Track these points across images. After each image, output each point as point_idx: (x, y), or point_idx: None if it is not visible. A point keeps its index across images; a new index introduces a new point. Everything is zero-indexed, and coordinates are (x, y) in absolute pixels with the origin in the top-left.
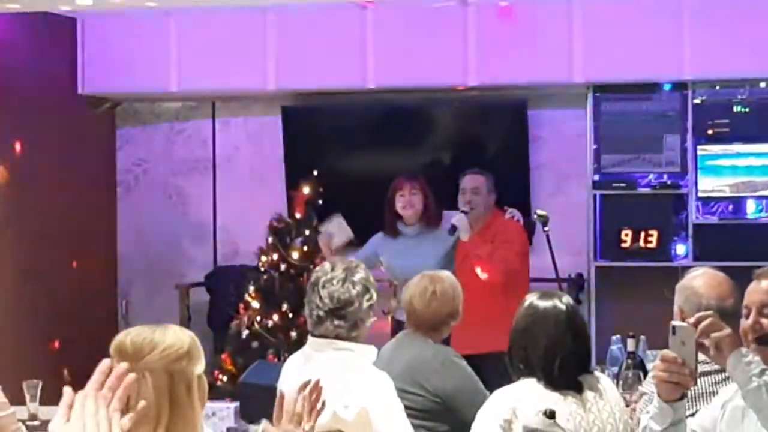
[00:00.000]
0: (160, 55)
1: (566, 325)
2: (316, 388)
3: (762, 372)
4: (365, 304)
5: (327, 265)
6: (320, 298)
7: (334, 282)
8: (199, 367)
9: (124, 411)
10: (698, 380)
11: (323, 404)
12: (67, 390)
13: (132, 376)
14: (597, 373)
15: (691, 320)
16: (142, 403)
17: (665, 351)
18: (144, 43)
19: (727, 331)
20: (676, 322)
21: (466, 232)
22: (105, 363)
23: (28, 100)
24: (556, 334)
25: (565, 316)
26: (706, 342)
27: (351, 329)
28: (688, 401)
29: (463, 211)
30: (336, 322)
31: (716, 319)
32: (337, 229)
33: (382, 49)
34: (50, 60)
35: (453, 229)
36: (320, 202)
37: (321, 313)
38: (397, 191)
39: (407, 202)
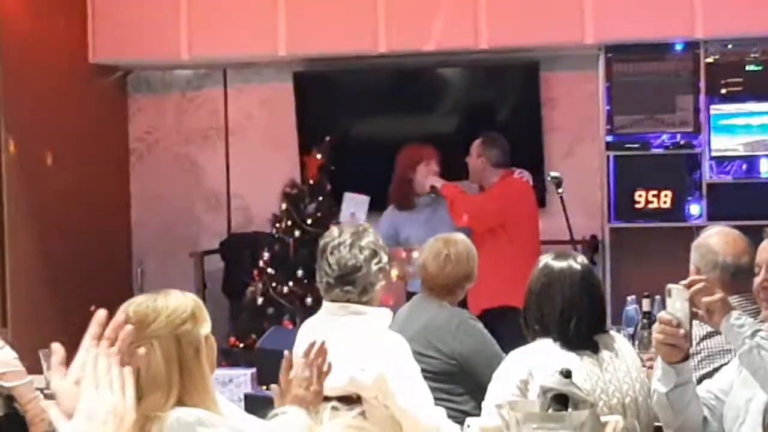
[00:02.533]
0: (171, 23)
1: (581, 285)
2: (321, 351)
3: (753, 334)
4: (374, 268)
5: (335, 230)
6: (329, 264)
7: (341, 248)
8: (205, 328)
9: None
10: (715, 338)
11: (329, 366)
12: (56, 346)
13: (130, 327)
14: (612, 332)
15: (684, 282)
16: (141, 350)
17: (662, 313)
18: (154, 10)
19: (719, 295)
20: (671, 285)
21: (438, 182)
22: (101, 314)
23: (39, 69)
24: (572, 294)
25: (580, 276)
26: (699, 307)
27: (361, 294)
28: (706, 358)
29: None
30: (345, 288)
31: (709, 283)
32: (353, 206)
33: (392, 12)
34: (61, 28)
35: (433, 188)
36: (333, 167)
37: (330, 280)
38: (421, 161)
39: (433, 171)
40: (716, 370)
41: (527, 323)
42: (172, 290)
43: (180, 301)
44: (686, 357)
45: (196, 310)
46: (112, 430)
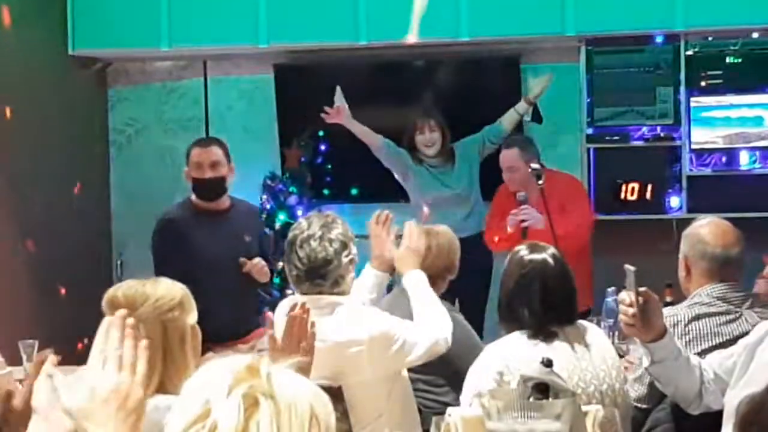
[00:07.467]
0: (151, 14)
1: (557, 278)
2: (304, 308)
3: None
4: (344, 260)
5: (303, 222)
6: (298, 258)
7: (311, 241)
8: (192, 317)
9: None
10: (703, 320)
11: (313, 325)
12: (46, 353)
13: (131, 320)
14: (584, 322)
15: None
16: (143, 342)
17: (621, 294)
18: (135, 2)
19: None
20: (627, 266)
21: (536, 222)
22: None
23: (19, 61)
24: (547, 287)
25: (558, 270)
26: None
27: (332, 286)
28: (694, 339)
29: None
30: (316, 281)
31: (634, 321)
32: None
33: (373, 4)
34: (40, 20)
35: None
36: (314, 159)
37: (300, 273)
38: (416, 131)
39: (429, 140)
40: (704, 351)
41: (502, 315)
42: (162, 278)
43: (169, 289)
44: (659, 336)
45: (184, 299)
46: (114, 409)
